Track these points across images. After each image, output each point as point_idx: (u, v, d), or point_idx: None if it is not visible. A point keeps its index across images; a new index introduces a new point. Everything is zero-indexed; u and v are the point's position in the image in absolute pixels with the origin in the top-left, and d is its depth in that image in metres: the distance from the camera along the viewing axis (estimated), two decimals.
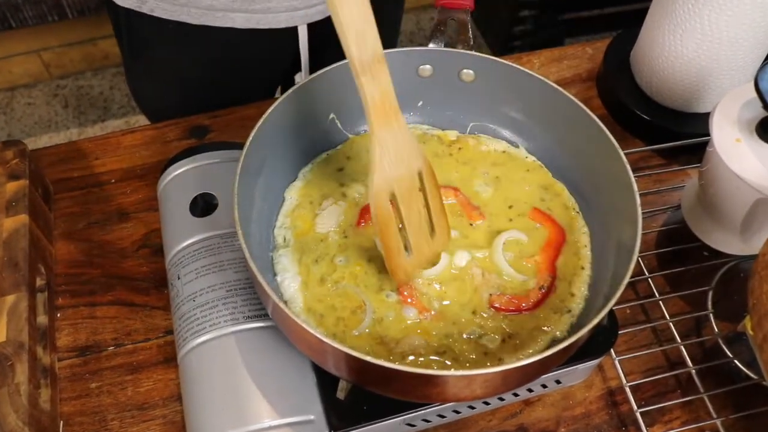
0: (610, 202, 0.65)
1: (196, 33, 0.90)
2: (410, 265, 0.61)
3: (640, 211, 0.59)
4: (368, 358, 0.49)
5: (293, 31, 0.94)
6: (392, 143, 0.56)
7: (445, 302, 0.62)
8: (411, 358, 0.59)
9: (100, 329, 0.75)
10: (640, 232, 0.58)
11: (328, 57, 0.93)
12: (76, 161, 0.88)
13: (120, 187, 0.86)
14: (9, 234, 0.72)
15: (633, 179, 0.61)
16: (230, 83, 1.01)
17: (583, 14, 2.31)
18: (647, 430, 0.68)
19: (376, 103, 0.54)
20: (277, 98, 0.65)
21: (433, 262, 0.63)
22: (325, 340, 0.50)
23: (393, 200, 0.58)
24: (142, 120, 2.16)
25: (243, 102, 0.94)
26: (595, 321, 0.52)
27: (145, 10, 0.89)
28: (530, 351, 0.59)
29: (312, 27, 0.95)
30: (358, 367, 0.52)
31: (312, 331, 0.51)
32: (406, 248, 0.60)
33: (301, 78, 1.04)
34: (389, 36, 1.18)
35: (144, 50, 1.00)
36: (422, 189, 0.60)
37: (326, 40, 0.99)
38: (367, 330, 0.60)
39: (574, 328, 0.62)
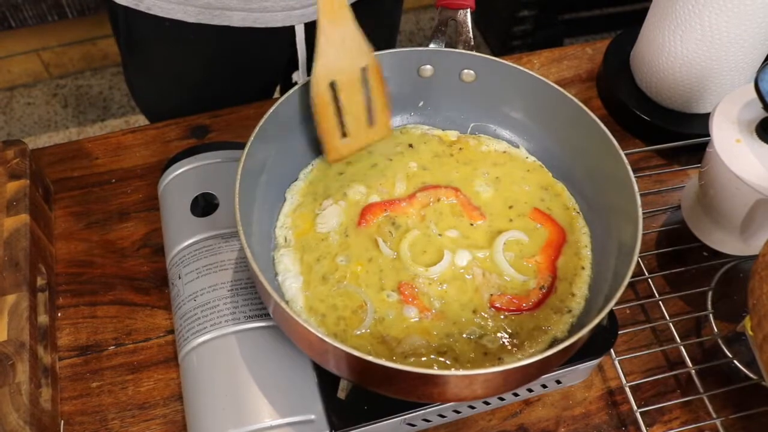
0: (611, 202, 0.65)
1: (192, 31, 0.90)
2: (345, 148, 0.67)
3: (640, 211, 0.59)
4: (369, 358, 0.49)
5: (291, 30, 0.94)
6: (338, 36, 0.61)
7: (446, 302, 0.62)
8: (412, 358, 0.59)
9: (100, 329, 0.75)
10: (640, 232, 0.58)
11: None
12: (76, 161, 0.88)
13: (120, 187, 0.86)
14: (10, 233, 0.72)
15: (633, 179, 0.61)
16: (227, 82, 1.01)
17: (582, 14, 2.32)
18: (647, 430, 0.69)
19: None
20: (278, 98, 0.65)
21: (367, 142, 0.69)
22: (327, 339, 0.50)
23: (334, 87, 0.63)
24: (141, 120, 2.16)
25: (240, 100, 0.94)
26: (596, 321, 0.52)
27: (142, 8, 0.89)
28: (531, 351, 0.60)
29: (309, 26, 0.95)
30: (359, 366, 0.53)
31: (313, 330, 0.51)
32: (345, 134, 0.65)
33: (298, 77, 1.04)
34: (389, 35, 1.18)
35: (141, 48, 1.00)
36: (365, 83, 0.65)
37: None
38: (368, 330, 0.60)
39: (574, 328, 0.62)
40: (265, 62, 1.02)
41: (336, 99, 0.64)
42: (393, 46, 1.17)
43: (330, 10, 0.60)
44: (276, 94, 1.14)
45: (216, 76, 1.00)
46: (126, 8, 0.90)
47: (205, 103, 0.93)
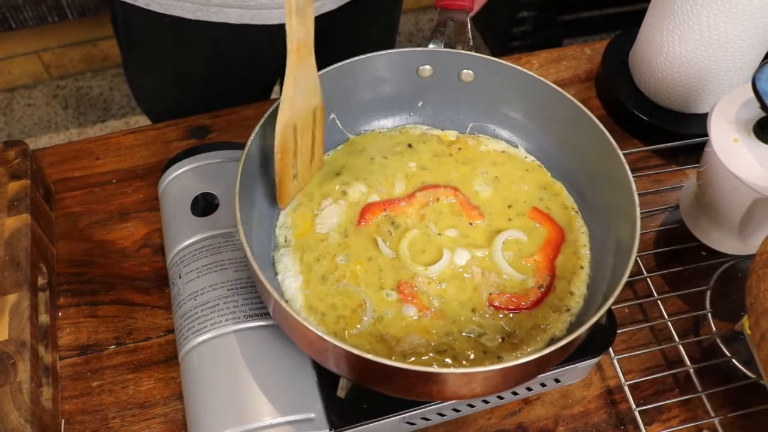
0: (609, 201, 0.65)
1: (191, 28, 0.91)
2: (295, 189, 0.68)
3: (638, 210, 0.59)
4: (368, 356, 0.49)
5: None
6: (303, 81, 0.61)
7: (445, 300, 0.62)
8: (411, 357, 0.59)
9: (101, 328, 0.75)
10: (638, 231, 0.58)
11: (322, 55, 0.93)
12: (77, 161, 0.88)
13: (121, 187, 0.86)
14: (11, 233, 0.73)
15: (632, 179, 0.61)
16: (226, 80, 1.01)
17: (582, 15, 2.32)
18: (646, 428, 0.69)
19: (301, 43, 0.58)
20: (277, 98, 0.66)
21: (308, 180, 0.69)
22: (326, 337, 0.51)
23: (295, 132, 0.63)
24: (142, 121, 2.16)
25: (240, 99, 0.94)
26: (594, 319, 0.53)
27: (140, 3, 0.89)
28: (529, 349, 0.60)
29: None
30: (358, 364, 0.53)
31: (313, 328, 0.51)
32: (294, 176, 0.66)
33: None
34: (387, 36, 1.18)
35: (140, 45, 1.00)
36: (314, 122, 0.65)
37: (320, 38, 0.99)
38: (367, 328, 0.60)
39: (573, 327, 0.62)
40: (263, 61, 1.03)
41: (295, 143, 0.64)
42: (392, 47, 1.18)
43: (302, 55, 0.59)
44: (274, 94, 1.15)
45: (215, 75, 1.00)
46: (125, 5, 0.91)
47: (204, 102, 0.94)
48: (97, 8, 1.94)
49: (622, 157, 0.63)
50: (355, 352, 0.50)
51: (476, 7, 0.81)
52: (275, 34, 0.94)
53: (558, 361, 0.58)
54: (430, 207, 0.68)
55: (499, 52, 2.29)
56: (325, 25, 0.86)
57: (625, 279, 0.55)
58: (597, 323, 0.54)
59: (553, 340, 0.61)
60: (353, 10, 0.96)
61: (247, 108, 0.93)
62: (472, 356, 0.59)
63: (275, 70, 1.06)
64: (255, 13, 0.89)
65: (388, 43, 1.18)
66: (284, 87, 0.60)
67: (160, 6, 0.89)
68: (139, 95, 1.13)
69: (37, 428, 0.62)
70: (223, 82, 1.01)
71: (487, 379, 0.52)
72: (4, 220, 0.74)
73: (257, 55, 1.00)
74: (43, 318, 0.72)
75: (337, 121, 0.74)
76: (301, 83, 0.61)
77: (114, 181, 0.87)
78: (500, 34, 2.30)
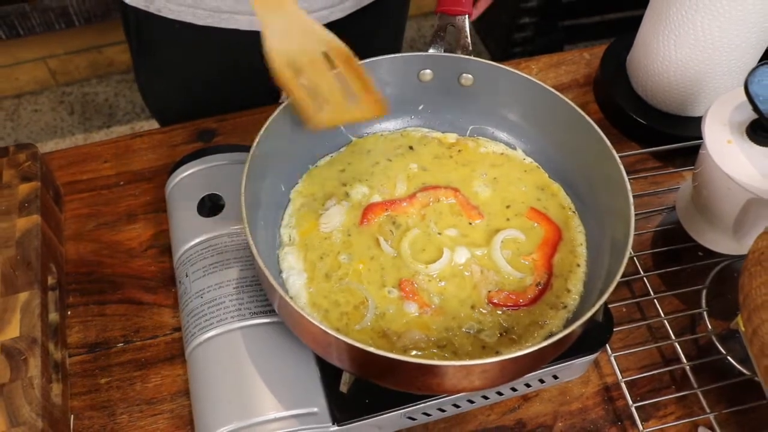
0: (605, 202, 0.67)
1: (201, 34, 0.93)
2: (327, 118, 0.67)
3: (633, 209, 0.61)
4: (370, 349, 0.51)
5: None
6: (279, 23, 0.64)
7: (445, 298, 0.64)
8: (413, 352, 0.61)
9: (109, 327, 0.77)
10: (632, 229, 0.59)
11: None
12: (85, 164, 0.90)
13: (128, 190, 0.88)
14: (22, 234, 0.75)
15: (626, 180, 0.63)
16: (235, 85, 1.03)
17: (582, 21, 2.34)
18: (642, 424, 0.70)
19: None
20: (281, 102, 0.67)
21: (355, 117, 0.70)
22: (330, 332, 0.52)
23: (295, 69, 0.66)
24: (147, 126, 2.19)
25: (248, 103, 0.96)
26: (589, 314, 0.54)
27: (152, 9, 0.91)
28: (527, 345, 0.61)
29: None
30: (360, 358, 0.54)
31: (317, 323, 0.53)
32: (322, 107, 0.67)
33: None
34: (394, 41, 1.19)
35: (151, 50, 1.02)
36: (336, 68, 0.66)
37: None
38: (369, 324, 0.62)
39: (570, 323, 0.64)
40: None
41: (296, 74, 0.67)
42: (399, 49, 1.19)
43: (265, 6, 0.64)
44: (282, 99, 1.16)
45: (224, 80, 1.02)
46: (137, 10, 0.92)
47: (214, 106, 0.95)
48: (103, 15, 1.96)
49: (618, 159, 0.64)
50: (358, 345, 0.51)
51: (476, 13, 0.83)
52: None
53: (554, 355, 0.59)
54: (431, 207, 0.70)
55: (501, 58, 2.31)
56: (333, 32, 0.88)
57: (619, 276, 0.56)
58: (593, 320, 0.56)
59: (550, 336, 0.62)
60: (361, 17, 0.98)
61: (253, 112, 0.95)
62: (471, 351, 0.61)
63: None
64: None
65: (394, 45, 1.20)
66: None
67: (171, 12, 0.90)
68: (149, 99, 1.15)
69: (48, 422, 0.64)
70: (233, 87, 1.03)
71: (485, 372, 0.54)
72: (15, 220, 0.76)
73: (265, 61, 1.01)
74: (53, 316, 0.74)
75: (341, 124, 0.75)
76: (274, 23, 0.64)
77: (121, 183, 0.88)
78: (501, 40, 2.31)
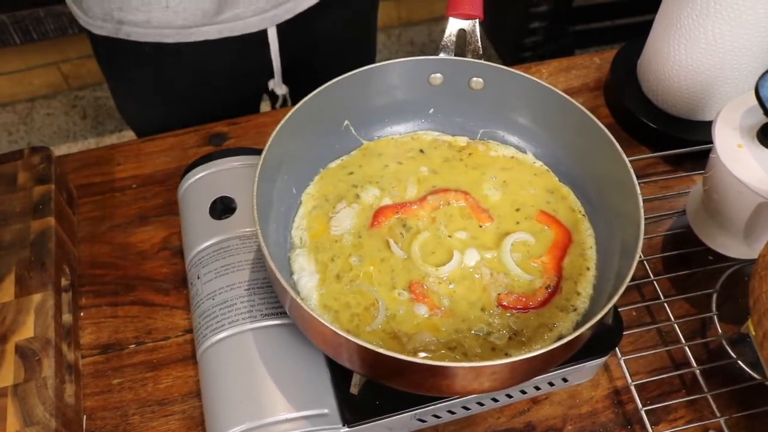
0: (615, 205, 0.67)
1: (171, 50, 0.94)
2: None
3: (642, 213, 0.61)
4: (381, 350, 0.51)
5: (264, 36, 0.97)
6: None
7: (455, 300, 0.64)
8: (423, 354, 0.61)
9: (121, 328, 0.78)
10: (642, 232, 0.59)
11: (300, 61, 0.94)
12: (98, 167, 0.91)
13: (141, 192, 0.89)
14: (36, 235, 0.75)
15: (636, 183, 0.63)
16: (210, 94, 1.04)
17: (593, 26, 2.34)
18: (652, 428, 0.70)
19: None
20: (292, 106, 0.68)
21: None
22: (340, 332, 0.53)
23: None
24: None
25: (225, 113, 0.97)
26: (598, 317, 0.54)
27: (121, 35, 0.92)
28: (537, 347, 0.61)
29: (282, 30, 0.98)
30: (371, 359, 0.55)
31: (328, 324, 0.53)
32: None
33: (274, 85, 1.06)
34: (365, 36, 1.16)
35: (123, 72, 1.03)
36: None
37: (297, 43, 1.01)
38: (380, 326, 0.62)
39: (579, 326, 0.64)
40: (246, 71, 1.04)
41: None
42: (373, 51, 1.17)
43: None
44: (266, 107, 1.16)
45: (199, 92, 1.03)
46: (106, 37, 0.93)
47: (192, 121, 0.96)
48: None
49: (628, 163, 0.64)
50: (368, 346, 0.52)
51: None
52: (256, 41, 0.97)
53: (564, 358, 0.59)
54: (441, 210, 0.70)
55: (511, 62, 2.31)
56: (296, 25, 0.87)
57: (628, 279, 0.56)
58: (603, 323, 0.56)
59: (560, 339, 0.63)
60: (330, 9, 0.98)
61: (264, 116, 0.96)
62: (480, 353, 0.61)
63: (259, 80, 1.08)
64: (232, 25, 0.92)
65: (366, 45, 1.18)
66: None
67: (139, 35, 0.91)
68: (127, 117, 1.16)
69: (61, 422, 0.65)
70: (209, 98, 1.03)
71: (494, 373, 0.54)
72: (29, 222, 0.77)
73: (240, 66, 1.02)
74: (66, 318, 0.75)
75: (351, 128, 0.76)
76: None
77: (134, 186, 0.89)
78: (512, 45, 2.32)
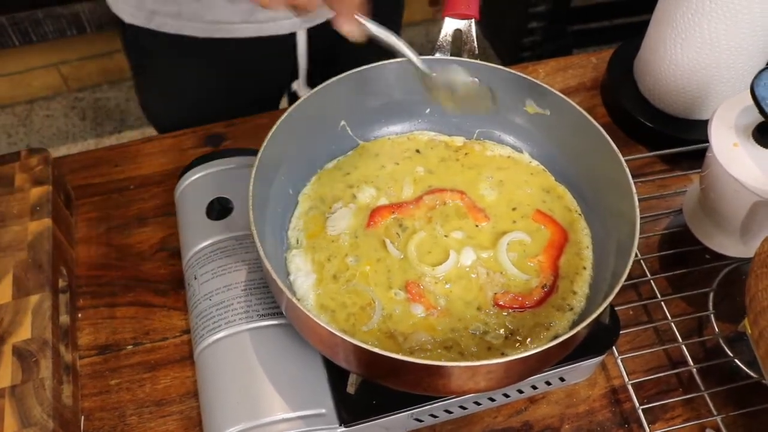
0: (611, 204, 0.67)
1: (201, 45, 0.94)
2: None
3: (638, 212, 0.61)
4: (377, 350, 0.51)
5: (293, 38, 0.97)
6: None
7: (451, 299, 0.64)
8: (420, 353, 0.61)
9: (119, 329, 0.78)
10: (638, 231, 0.60)
11: (325, 63, 0.95)
12: (96, 168, 0.91)
13: (138, 193, 0.89)
14: (33, 237, 0.76)
15: (632, 182, 0.63)
16: (235, 94, 1.04)
17: (591, 25, 2.34)
18: (649, 427, 0.70)
19: None
20: (288, 107, 0.68)
21: None
22: (337, 333, 0.53)
23: None
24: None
25: (249, 111, 0.97)
26: (594, 315, 0.54)
27: (152, 26, 0.92)
28: (533, 346, 0.62)
29: (312, 35, 0.98)
30: (367, 359, 0.55)
31: (324, 324, 0.53)
32: None
33: (298, 86, 1.07)
34: (395, 13, 1.17)
35: (151, 63, 1.03)
36: None
37: (324, 47, 1.01)
38: (376, 326, 0.62)
39: (575, 325, 0.63)
40: (272, 71, 1.05)
41: None
42: (399, 24, 1.17)
43: None
44: (284, 105, 1.17)
45: (224, 89, 1.03)
46: (136, 27, 0.94)
47: (214, 116, 0.96)
48: (115, 22, 1.98)
49: (623, 162, 0.65)
50: (364, 346, 0.52)
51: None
52: (285, 42, 0.97)
53: (560, 357, 0.59)
54: (437, 210, 0.70)
55: (510, 62, 2.31)
56: (326, 31, 0.88)
57: (624, 278, 0.57)
58: (599, 322, 0.56)
59: (556, 338, 0.63)
60: None
61: (260, 117, 0.96)
62: (477, 352, 0.61)
63: (283, 80, 1.08)
64: (264, 26, 0.92)
65: (395, 19, 1.17)
66: None
67: (171, 27, 0.92)
68: (150, 113, 1.15)
69: (59, 423, 0.65)
70: (233, 96, 1.04)
71: (490, 372, 0.54)
72: (27, 224, 0.77)
73: (266, 66, 1.02)
74: (64, 318, 0.75)
75: (348, 128, 0.76)
76: None
77: (132, 187, 0.89)
78: (511, 45, 2.32)
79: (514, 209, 0.71)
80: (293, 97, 1.12)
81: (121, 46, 1.05)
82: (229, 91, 1.04)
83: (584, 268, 0.67)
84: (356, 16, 0.61)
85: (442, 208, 0.70)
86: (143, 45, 0.99)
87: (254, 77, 1.04)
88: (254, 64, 1.01)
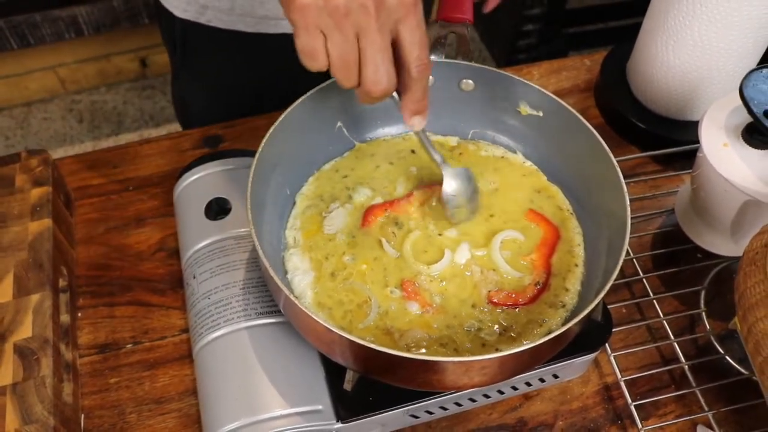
0: (602, 203, 0.68)
1: (248, 41, 0.94)
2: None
3: (629, 211, 0.62)
4: (372, 345, 0.52)
5: None
6: None
7: (446, 297, 0.65)
8: (416, 350, 0.62)
9: (118, 328, 0.79)
10: (629, 230, 0.61)
11: None
12: (95, 169, 0.92)
13: (137, 194, 0.90)
14: (34, 237, 0.76)
15: (623, 182, 0.64)
16: (276, 90, 1.04)
17: (586, 28, 2.35)
18: (642, 423, 0.71)
19: None
20: (286, 108, 0.69)
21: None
22: (334, 329, 0.54)
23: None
24: (154, 134, 2.21)
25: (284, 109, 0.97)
26: (586, 312, 0.55)
27: (203, 20, 0.93)
28: (526, 342, 0.62)
29: None
30: (363, 355, 0.56)
31: (321, 321, 0.54)
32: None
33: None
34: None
35: (197, 58, 1.03)
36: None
37: None
38: (372, 322, 0.63)
39: (568, 322, 0.65)
40: (310, 73, 1.05)
41: None
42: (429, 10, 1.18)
43: None
44: None
45: (263, 85, 1.03)
46: (184, 20, 0.94)
47: (249, 112, 0.96)
48: (112, 25, 1.99)
49: (615, 162, 0.66)
50: (361, 342, 0.53)
51: (491, 5, 0.82)
52: None
53: (553, 353, 0.61)
54: (432, 209, 0.71)
55: (505, 64, 2.33)
56: None
57: (615, 274, 0.58)
58: (592, 319, 0.57)
59: (549, 334, 0.64)
60: None
61: (259, 118, 0.97)
62: (471, 349, 0.62)
63: (321, 80, 1.08)
64: None
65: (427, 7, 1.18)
66: None
67: (222, 22, 0.92)
68: (185, 109, 1.15)
69: (59, 421, 0.66)
70: (270, 92, 1.04)
71: (484, 368, 0.55)
72: (27, 224, 0.78)
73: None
74: (64, 318, 0.76)
75: (344, 129, 0.77)
76: None
77: (131, 188, 0.90)
78: (506, 47, 2.33)
79: (507, 209, 0.72)
80: None
81: (162, 40, 1.05)
82: (268, 88, 1.04)
83: (576, 265, 0.68)
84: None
85: (437, 206, 0.71)
86: (190, 39, 0.99)
87: (294, 75, 1.03)
88: (296, 62, 1.01)
